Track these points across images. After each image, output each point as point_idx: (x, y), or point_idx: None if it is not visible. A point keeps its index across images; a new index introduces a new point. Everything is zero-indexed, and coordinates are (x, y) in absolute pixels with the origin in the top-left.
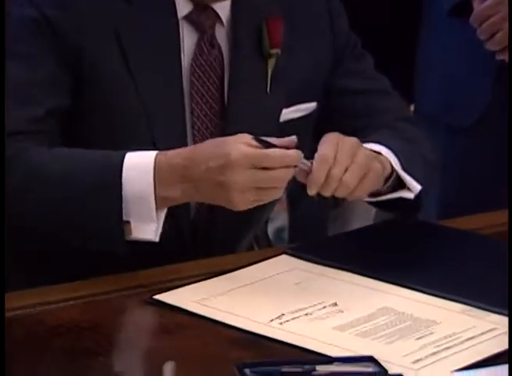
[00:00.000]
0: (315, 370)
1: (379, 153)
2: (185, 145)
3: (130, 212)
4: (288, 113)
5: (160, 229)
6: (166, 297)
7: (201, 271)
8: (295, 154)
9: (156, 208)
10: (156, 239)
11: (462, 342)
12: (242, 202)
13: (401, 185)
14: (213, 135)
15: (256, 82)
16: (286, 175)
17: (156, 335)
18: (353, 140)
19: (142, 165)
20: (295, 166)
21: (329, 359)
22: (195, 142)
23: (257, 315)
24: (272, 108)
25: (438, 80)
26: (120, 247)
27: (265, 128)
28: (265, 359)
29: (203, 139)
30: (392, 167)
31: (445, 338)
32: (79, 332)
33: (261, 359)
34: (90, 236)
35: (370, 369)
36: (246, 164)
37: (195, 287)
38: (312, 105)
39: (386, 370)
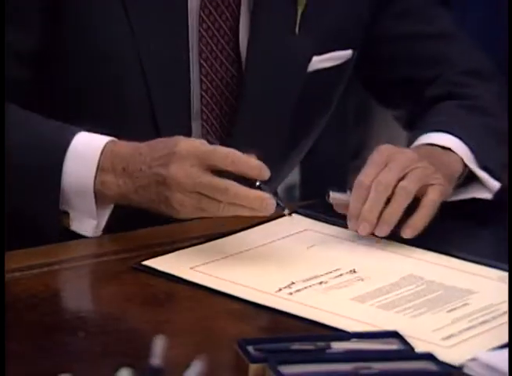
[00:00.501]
0: (329, 347)
1: (448, 149)
2: (187, 103)
3: (69, 203)
4: (319, 62)
5: (101, 227)
6: (155, 262)
7: (197, 233)
8: (253, 163)
9: (98, 204)
10: (95, 234)
11: (500, 315)
12: (183, 206)
13: (474, 178)
14: (223, 82)
15: (282, 21)
16: (232, 190)
17: (145, 307)
18: (408, 155)
19: (87, 154)
20: (255, 186)
21: (347, 335)
22: (202, 98)
23: (262, 284)
24: (299, 54)
25: None
26: (53, 237)
27: (290, 78)
28: (271, 334)
29: (211, 90)
30: (464, 163)
31: (481, 310)
32: (55, 303)
33: (266, 334)
34: (26, 217)
35: (394, 346)
36: (191, 159)
37: (189, 251)
38: (347, 53)
39: (412, 348)
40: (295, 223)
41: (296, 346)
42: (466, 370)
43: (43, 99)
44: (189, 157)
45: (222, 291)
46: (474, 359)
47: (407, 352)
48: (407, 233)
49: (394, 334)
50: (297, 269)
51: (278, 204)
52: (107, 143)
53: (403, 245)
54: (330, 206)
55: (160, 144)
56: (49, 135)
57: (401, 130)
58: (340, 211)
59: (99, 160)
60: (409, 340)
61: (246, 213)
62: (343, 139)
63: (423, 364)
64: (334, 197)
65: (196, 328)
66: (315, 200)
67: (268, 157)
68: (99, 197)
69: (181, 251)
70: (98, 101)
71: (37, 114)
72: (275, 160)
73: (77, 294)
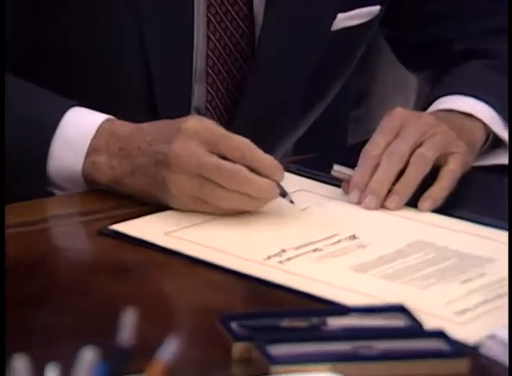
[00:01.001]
0: (325, 324)
1: (470, 116)
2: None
3: (58, 187)
4: (344, 20)
5: None
6: (126, 227)
7: None
8: (268, 162)
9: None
10: None
11: None
12: (181, 192)
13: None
14: (232, 40)
15: None
16: (243, 175)
17: (112, 277)
18: (425, 120)
19: (79, 135)
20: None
21: (345, 310)
22: (208, 58)
23: (248, 251)
24: (324, 11)
25: None
26: None
27: (311, 38)
28: (257, 309)
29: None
30: (488, 131)
31: (500, 281)
32: (14, 272)
33: (252, 309)
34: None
35: (399, 322)
36: (198, 139)
37: (165, 214)
38: (375, 9)
39: (420, 324)
40: (287, 182)
41: (286, 323)
42: (482, 350)
43: (39, 70)
44: (196, 136)
45: (202, 258)
46: (491, 337)
47: (414, 329)
48: (425, 206)
49: (400, 308)
50: (288, 234)
51: (283, 195)
52: (103, 123)
53: (410, 208)
54: (328, 162)
55: (166, 123)
56: (39, 113)
57: (410, 75)
58: (345, 189)
59: (92, 142)
60: (416, 315)
61: (251, 206)
62: (343, 83)
63: (434, 343)
64: (339, 170)
65: (171, 301)
66: (310, 155)
67: (280, 124)
68: (89, 182)
69: (155, 215)
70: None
71: (37, 86)
72: (287, 128)
73: (36, 264)
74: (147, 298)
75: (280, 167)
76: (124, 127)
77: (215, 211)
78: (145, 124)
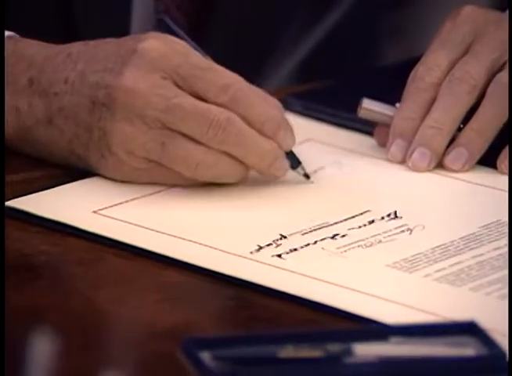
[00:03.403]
0: (350, 353)
1: None
2: None
3: None
4: None
5: None
6: (31, 203)
7: None
8: (274, 113)
9: None
10: None
11: None
12: (130, 154)
13: None
14: None
15: None
16: (236, 124)
17: (14, 279)
18: (490, 17)
19: None
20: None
21: (383, 331)
22: None
23: (227, 238)
24: None
25: None
26: None
27: None
28: (242, 329)
29: None
30: None
31: None
32: None
33: (234, 329)
34: None
35: (470, 350)
36: (164, 67)
37: (92, 183)
38: None
39: (504, 354)
40: None
41: (288, 352)
42: None
43: None
44: (160, 63)
45: (153, 250)
46: None
47: (494, 360)
48: (507, 165)
49: (470, 329)
50: (290, 212)
51: (294, 167)
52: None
53: (485, 168)
54: (351, 93)
55: (110, 43)
56: None
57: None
58: (379, 139)
59: None
60: (496, 338)
61: (238, 176)
62: None
63: None
64: (370, 108)
65: (106, 318)
66: (323, 82)
67: (277, 38)
68: None
69: (75, 184)
70: None
71: None
72: (287, 44)
73: None
74: (68, 313)
75: (287, 123)
76: (39, 47)
77: (181, 182)
78: (75, 45)
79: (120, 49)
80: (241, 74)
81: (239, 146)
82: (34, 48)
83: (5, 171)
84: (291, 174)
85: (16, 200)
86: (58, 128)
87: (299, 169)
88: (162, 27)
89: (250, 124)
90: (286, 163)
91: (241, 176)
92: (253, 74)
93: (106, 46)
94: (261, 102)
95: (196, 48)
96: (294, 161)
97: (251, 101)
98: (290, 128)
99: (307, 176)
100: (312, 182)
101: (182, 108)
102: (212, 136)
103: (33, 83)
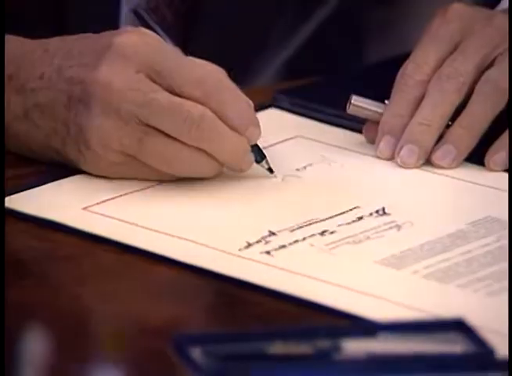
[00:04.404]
0: (339, 349)
1: None
2: None
3: None
4: None
5: None
6: (18, 201)
7: None
8: (245, 108)
9: None
10: None
11: None
12: (106, 148)
13: None
14: None
15: None
16: (209, 120)
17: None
18: (498, 25)
19: None
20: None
21: (371, 328)
22: None
23: (215, 235)
24: None
25: None
26: None
27: None
28: (232, 326)
29: None
30: None
31: None
32: None
33: (224, 326)
34: None
35: (457, 347)
36: (139, 62)
37: (79, 180)
38: None
39: (492, 350)
40: (275, 124)
41: (278, 348)
42: None
43: None
44: (135, 57)
45: (142, 247)
46: None
47: (481, 358)
48: (497, 162)
49: (457, 326)
50: (279, 208)
51: (257, 161)
52: None
53: (473, 166)
54: (340, 90)
55: (86, 38)
56: None
57: None
58: (368, 136)
59: None
60: (483, 335)
61: (211, 170)
62: None
63: None
64: (359, 104)
65: (95, 315)
66: (311, 78)
67: (264, 38)
68: None
69: (63, 181)
70: None
71: None
72: (275, 44)
73: None
74: (57, 309)
75: (256, 119)
76: (18, 43)
77: (157, 178)
78: (52, 40)
79: (96, 44)
80: (230, 72)
81: (212, 142)
82: (13, 44)
83: None
84: (278, 169)
85: (6, 199)
86: (34, 123)
87: (263, 163)
88: (138, 20)
89: (221, 118)
90: (252, 157)
91: (216, 171)
92: (241, 72)
93: (83, 41)
94: (232, 97)
95: (168, 42)
96: (259, 155)
97: (223, 96)
98: (258, 124)
99: (271, 170)
100: (276, 177)
101: (158, 103)
102: (186, 132)
103: (11, 79)
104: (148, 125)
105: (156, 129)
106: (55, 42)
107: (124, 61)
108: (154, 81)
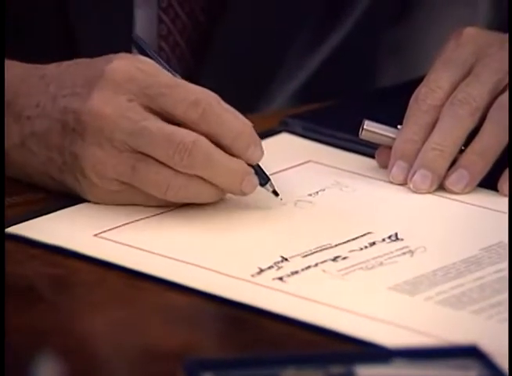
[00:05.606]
0: (351, 374)
1: None
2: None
3: None
4: None
5: None
6: (30, 228)
7: None
8: (243, 129)
9: None
10: None
11: None
12: (100, 176)
13: None
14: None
15: None
16: (203, 148)
17: (14, 303)
18: (492, 38)
19: None
20: None
21: (385, 354)
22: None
23: (226, 261)
24: None
25: None
26: None
27: None
28: (244, 352)
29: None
30: None
31: None
32: None
33: (236, 351)
34: None
35: (471, 373)
36: (131, 89)
37: (87, 208)
38: None
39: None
40: (286, 148)
41: (291, 373)
42: None
43: None
44: (127, 85)
45: (153, 274)
46: None
47: None
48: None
49: (472, 351)
50: (291, 234)
51: (262, 184)
52: None
53: (486, 191)
54: (352, 115)
55: (81, 65)
56: None
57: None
58: (381, 161)
59: None
60: (498, 361)
61: (211, 197)
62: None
63: None
64: (372, 129)
65: (107, 341)
66: (323, 104)
67: (284, 58)
68: None
69: (72, 209)
70: None
71: None
72: (288, 72)
73: None
74: (70, 336)
75: (257, 138)
76: (13, 69)
77: (157, 204)
78: (49, 67)
79: (89, 72)
80: (244, 97)
81: (206, 168)
82: (11, 70)
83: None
84: (290, 195)
85: (16, 226)
86: (31, 151)
87: (268, 186)
88: (134, 46)
89: (220, 140)
90: (255, 180)
91: (216, 196)
92: (256, 97)
93: (77, 68)
94: (231, 118)
95: (166, 68)
96: (263, 178)
97: (221, 118)
98: (259, 143)
99: (276, 193)
100: (281, 199)
101: (149, 131)
102: (178, 161)
103: (9, 106)
104: (141, 153)
105: (149, 156)
106: (51, 69)
107: (115, 88)
108: (147, 107)
